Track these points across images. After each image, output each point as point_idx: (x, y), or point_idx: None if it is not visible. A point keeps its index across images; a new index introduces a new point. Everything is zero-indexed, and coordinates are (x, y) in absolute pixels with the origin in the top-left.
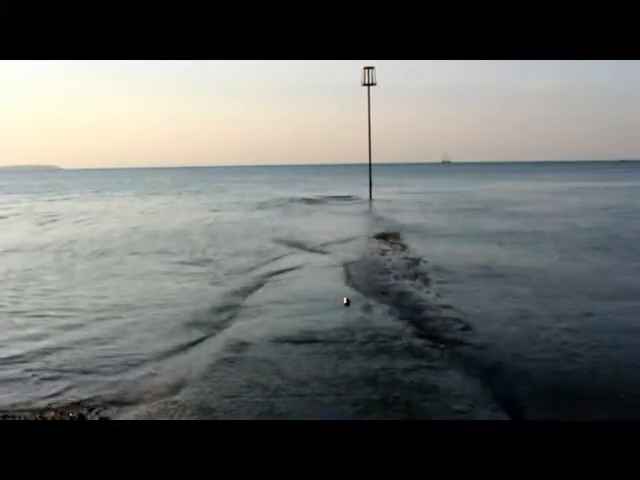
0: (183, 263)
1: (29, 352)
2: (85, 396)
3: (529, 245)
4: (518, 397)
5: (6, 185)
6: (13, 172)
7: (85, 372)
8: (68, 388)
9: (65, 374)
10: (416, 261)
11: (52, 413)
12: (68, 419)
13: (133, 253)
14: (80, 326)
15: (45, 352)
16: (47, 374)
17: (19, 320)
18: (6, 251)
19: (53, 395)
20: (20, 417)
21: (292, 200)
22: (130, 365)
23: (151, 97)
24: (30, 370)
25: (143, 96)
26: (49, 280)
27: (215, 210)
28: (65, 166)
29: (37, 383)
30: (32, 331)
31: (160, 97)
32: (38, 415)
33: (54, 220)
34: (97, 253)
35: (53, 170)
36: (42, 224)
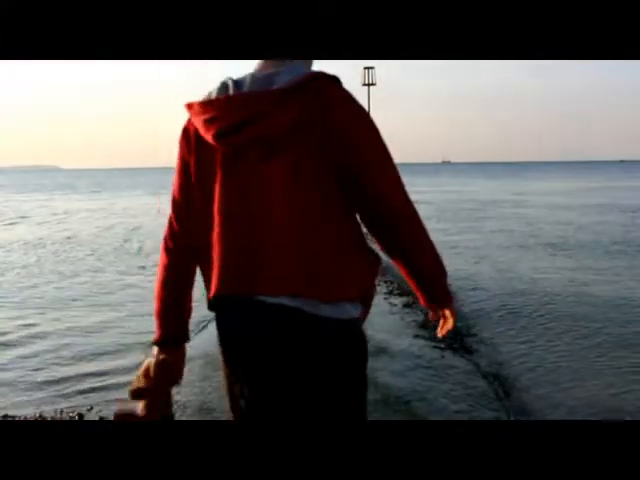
0: None
1: None
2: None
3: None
4: None
5: (26, 184)
6: (14, 172)
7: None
8: None
9: None
10: None
11: (52, 412)
12: (68, 419)
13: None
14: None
15: None
16: None
17: None
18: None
19: None
20: (20, 417)
21: None
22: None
23: (151, 96)
24: None
25: (143, 95)
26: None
27: None
28: (65, 166)
29: None
30: None
31: (160, 96)
32: (38, 415)
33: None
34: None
35: (54, 170)
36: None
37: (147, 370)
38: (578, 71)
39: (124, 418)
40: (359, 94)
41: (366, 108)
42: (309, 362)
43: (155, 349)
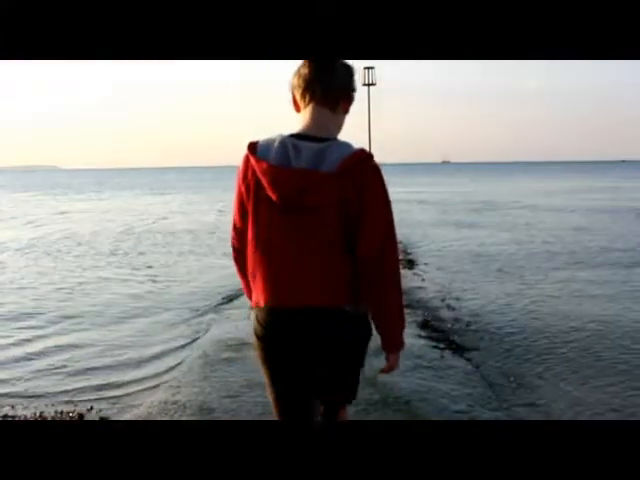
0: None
1: None
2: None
3: None
4: None
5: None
6: (14, 172)
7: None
8: None
9: None
10: None
11: (52, 413)
12: (68, 419)
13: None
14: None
15: None
16: None
17: None
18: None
19: None
20: (20, 417)
21: None
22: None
23: (151, 96)
24: None
25: (143, 95)
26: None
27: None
28: (64, 166)
29: None
30: None
31: (160, 96)
32: (38, 415)
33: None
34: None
35: (53, 170)
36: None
37: None
38: (578, 71)
39: None
40: (359, 94)
41: (366, 108)
42: (345, 348)
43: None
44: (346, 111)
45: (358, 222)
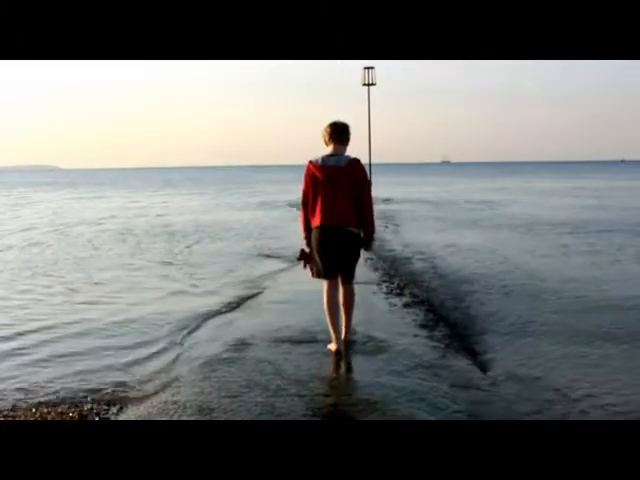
0: None
1: None
2: None
3: None
4: None
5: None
6: (16, 172)
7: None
8: None
9: None
10: None
11: (52, 414)
12: (68, 419)
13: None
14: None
15: None
16: None
17: None
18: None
19: None
20: (20, 417)
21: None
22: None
23: (151, 96)
24: None
25: (142, 95)
26: None
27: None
28: (64, 166)
29: None
30: None
31: (159, 96)
32: (38, 415)
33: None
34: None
35: (53, 170)
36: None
37: (302, 250)
38: (579, 71)
39: (302, 257)
40: (359, 94)
41: (366, 108)
42: (353, 243)
43: (304, 241)
44: (348, 144)
45: (359, 189)
